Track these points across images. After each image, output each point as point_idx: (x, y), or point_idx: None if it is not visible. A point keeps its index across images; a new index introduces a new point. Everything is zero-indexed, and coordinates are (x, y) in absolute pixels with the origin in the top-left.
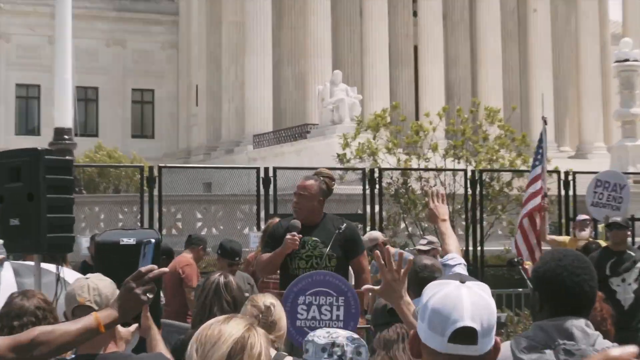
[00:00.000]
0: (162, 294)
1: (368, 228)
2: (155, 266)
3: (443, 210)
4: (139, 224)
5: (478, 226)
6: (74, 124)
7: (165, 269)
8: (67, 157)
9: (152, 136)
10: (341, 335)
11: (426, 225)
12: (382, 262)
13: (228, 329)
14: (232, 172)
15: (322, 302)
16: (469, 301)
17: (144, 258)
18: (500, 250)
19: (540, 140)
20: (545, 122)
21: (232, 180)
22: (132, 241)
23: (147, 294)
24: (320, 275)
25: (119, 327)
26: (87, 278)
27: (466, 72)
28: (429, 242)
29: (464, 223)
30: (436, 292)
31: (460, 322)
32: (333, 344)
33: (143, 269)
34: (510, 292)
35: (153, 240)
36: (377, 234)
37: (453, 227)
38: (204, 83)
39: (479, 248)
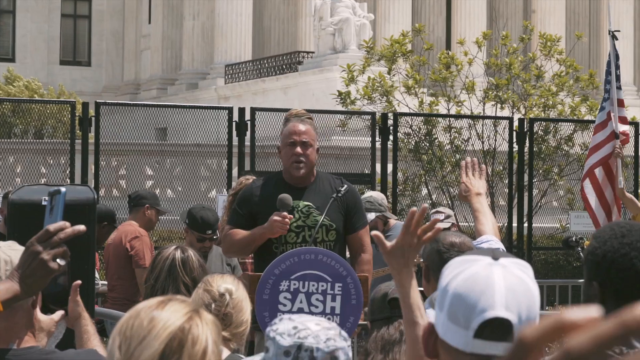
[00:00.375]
0: (97, 274)
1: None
2: (67, 223)
3: (478, 183)
4: (68, 180)
5: (526, 195)
6: None
7: (82, 227)
8: None
9: (88, 63)
10: (312, 334)
11: (456, 190)
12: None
13: (163, 317)
14: (195, 114)
15: (313, 290)
16: (503, 284)
17: (51, 213)
18: (555, 228)
19: (609, 64)
20: (614, 37)
21: (195, 125)
22: None
23: (58, 260)
24: (310, 253)
25: (40, 315)
26: None
27: None
28: (447, 217)
29: (506, 190)
30: (460, 272)
31: (491, 311)
32: (300, 347)
33: (51, 227)
34: (566, 283)
35: (63, 190)
36: (378, 195)
37: (492, 197)
38: None
39: (525, 224)
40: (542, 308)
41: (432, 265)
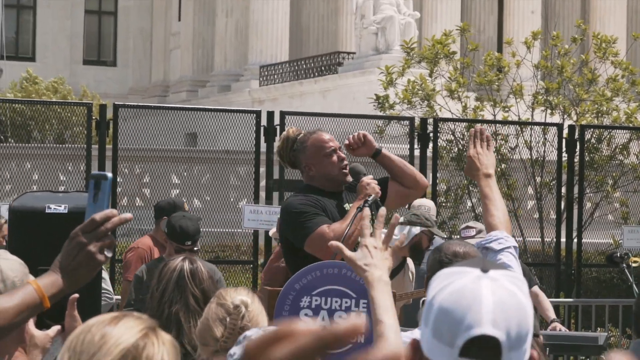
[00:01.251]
0: (109, 286)
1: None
2: (114, 211)
3: (488, 160)
4: (84, 189)
5: (576, 207)
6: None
7: (129, 215)
8: None
9: (114, 63)
10: None
11: (506, 204)
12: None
13: (115, 333)
14: (225, 118)
15: (336, 307)
16: (492, 299)
17: (95, 200)
18: (608, 243)
19: None
20: None
21: (226, 130)
22: (62, 209)
23: (105, 252)
24: (334, 267)
25: (33, 330)
26: None
27: None
28: (479, 231)
29: (555, 202)
30: (446, 285)
31: (477, 328)
32: None
33: (97, 216)
34: (617, 303)
35: (110, 175)
36: (428, 202)
37: (540, 210)
38: None
39: (575, 240)
40: (591, 329)
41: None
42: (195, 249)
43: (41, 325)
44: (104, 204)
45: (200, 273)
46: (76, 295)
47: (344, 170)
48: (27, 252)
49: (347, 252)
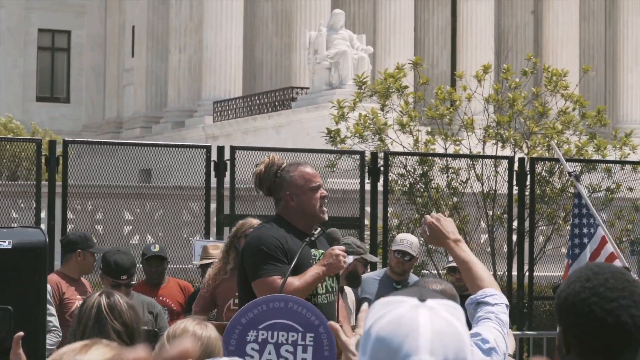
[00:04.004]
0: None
1: (367, 238)
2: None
3: (450, 225)
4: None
5: (527, 240)
6: None
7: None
8: None
9: (67, 100)
10: None
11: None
12: None
13: None
14: (178, 154)
15: (282, 340)
16: (430, 328)
17: None
18: (560, 276)
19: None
20: (575, 178)
21: (178, 166)
22: (6, 244)
23: None
24: (279, 300)
25: None
26: None
27: (526, 15)
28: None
29: (506, 235)
30: (384, 314)
31: (414, 356)
32: None
33: None
34: None
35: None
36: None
37: (492, 242)
38: (143, 22)
39: (526, 273)
40: None
41: None
42: (132, 282)
43: None
44: None
45: (119, 305)
46: (21, 333)
47: (323, 208)
48: None
49: (343, 337)
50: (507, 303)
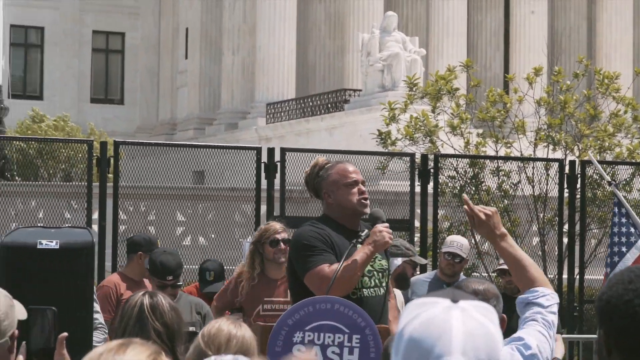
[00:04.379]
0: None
1: (417, 241)
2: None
3: (496, 218)
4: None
5: (578, 242)
6: (5, 79)
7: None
8: None
9: (121, 101)
10: None
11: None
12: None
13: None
14: (230, 156)
15: (329, 342)
16: (462, 329)
17: None
18: None
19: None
20: (615, 187)
21: (230, 167)
22: (54, 244)
23: None
24: (326, 302)
25: None
26: None
27: (580, 19)
28: None
29: (557, 238)
30: (416, 316)
31: (446, 357)
32: None
33: None
34: None
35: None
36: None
37: (543, 245)
38: (196, 24)
39: (577, 276)
40: None
41: None
42: (178, 283)
43: None
44: None
45: (161, 306)
46: (65, 334)
47: (364, 202)
48: (19, 288)
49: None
50: (558, 301)
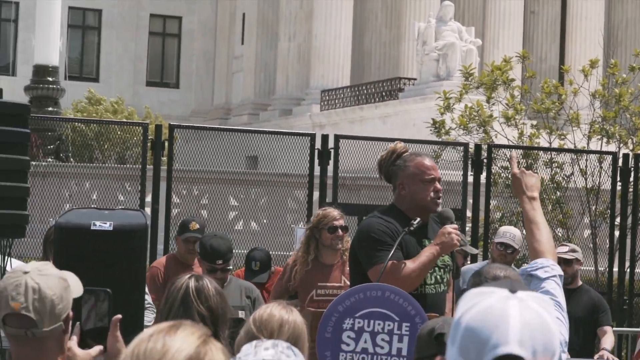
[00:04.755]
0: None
1: (468, 230)
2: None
3: (532, 182)
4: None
5: (629, 236)
6: (63, 60)
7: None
8: (23, 103)
9: (177, 85)
10: None
11: (561, 232)
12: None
13: (176, 342)
14: (284, 142)
15: (378, 329)
16: (519, 319)
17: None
18: None
19: None
20: None
21: (284, 153)
22: (107, 226)
23: None
24: (377, 289)
25: (75, 349)
26: (26, 272)
27: (637, 10)
28: (572, 250)
29: (609, 231)
30: (474, 305)
31: (504, 347)
32: None
33: None
34: None
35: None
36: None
37: (594, 238)
38: (253, 10)
39: (628, 270)
40: None
41: None
42: (228, 267)
43: (83, 345)
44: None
45: (207, 290)
46: (119, 315)
47: (437, 200)
48: (73, 269)
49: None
50: (561, 273)
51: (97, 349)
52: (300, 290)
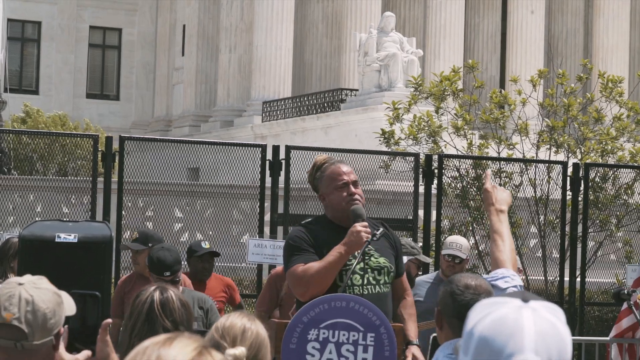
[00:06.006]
0: None
1: (420, 240)
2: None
3: (503, 196)
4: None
5: (579, 246)
6: (2, 73)
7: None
8: None
9: (117, 97)
10: None
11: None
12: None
13: (171, 354)
14: (228, 153)
15: (343, 340)
16: (533, 328)
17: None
18: (611, 282)
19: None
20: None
21: (228, 164)
22: (72, 238)
23: None
24: (341, 300)
25: (63, 354)
26: (20, 284)
27: (577, 22)
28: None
29: (559, 241)
30: (487, 315)
31: (519, 355)
32: None
33: None
34: (620, 341)
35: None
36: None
37: (544, 248)
38: (194, 22)
39: (578, 278)
40: None
41: (445, 309)
42: (177, 279)
43: (72, 349)
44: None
45: (172, 303)
46: (109, 320)
47: (351, 202)
48: None
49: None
50: (521, 283)
51: (85, 353)
52: (287, 300)
